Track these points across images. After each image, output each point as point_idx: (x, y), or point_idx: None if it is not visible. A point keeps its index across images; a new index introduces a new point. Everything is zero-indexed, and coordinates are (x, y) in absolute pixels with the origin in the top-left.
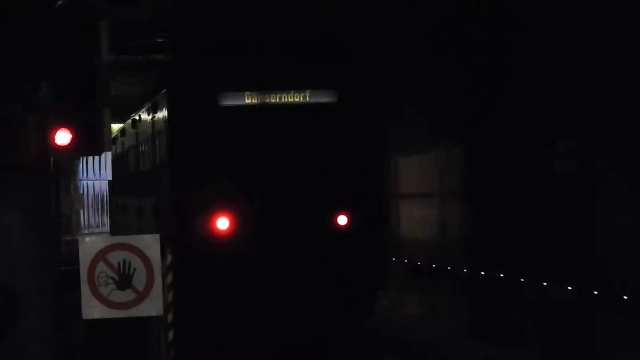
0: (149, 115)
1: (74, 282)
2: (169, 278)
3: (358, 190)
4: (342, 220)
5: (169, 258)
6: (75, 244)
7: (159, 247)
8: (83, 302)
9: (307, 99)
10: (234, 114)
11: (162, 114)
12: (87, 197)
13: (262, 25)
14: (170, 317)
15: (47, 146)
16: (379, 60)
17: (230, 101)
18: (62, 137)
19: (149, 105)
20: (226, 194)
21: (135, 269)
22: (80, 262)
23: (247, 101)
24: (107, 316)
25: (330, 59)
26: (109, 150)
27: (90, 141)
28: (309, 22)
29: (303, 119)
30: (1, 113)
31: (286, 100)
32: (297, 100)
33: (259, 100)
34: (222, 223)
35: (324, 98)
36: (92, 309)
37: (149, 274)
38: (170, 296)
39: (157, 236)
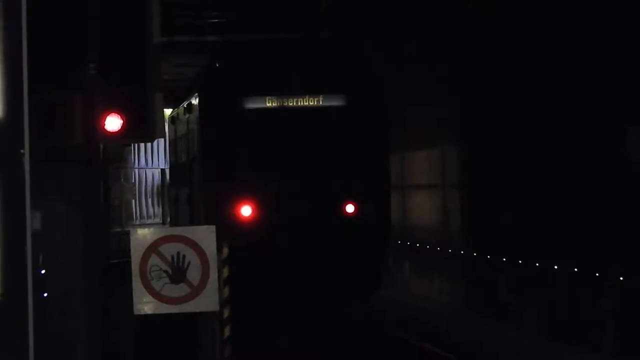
0: (184, 113)
1: (125, 276)
2: (225, 272)
3: (364, 182)
4: (350, 208)
5: (225, 251)
6: (125, 235)
7: (215, 239)
8: (134, 297)
9: (321, 103)
10: (256, 116)
11: (195, 114)
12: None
13: (281, 38)
14: (226, 312)
15: (95, 132)
16: (386, 66)
17: (252, 104)
18: (112, 123)
19: (186, 103)
20: (249, 185)
21: (189, 262)
22: (132, 255)
23: (268, 104)
24: (159, 312)
25: (340, 67)
26: (161, 137)
27: (141, 127)
28: (322, 34)
29: (317, 120)
30: (48, 97)
31: (302, 104)
32: (311, 103)
33: (278, 104)
34: (246, 210)
35: (335, 102)
36: (144, 305)
37: (204, 268)
38: (226, 291)
39: (213, 228)
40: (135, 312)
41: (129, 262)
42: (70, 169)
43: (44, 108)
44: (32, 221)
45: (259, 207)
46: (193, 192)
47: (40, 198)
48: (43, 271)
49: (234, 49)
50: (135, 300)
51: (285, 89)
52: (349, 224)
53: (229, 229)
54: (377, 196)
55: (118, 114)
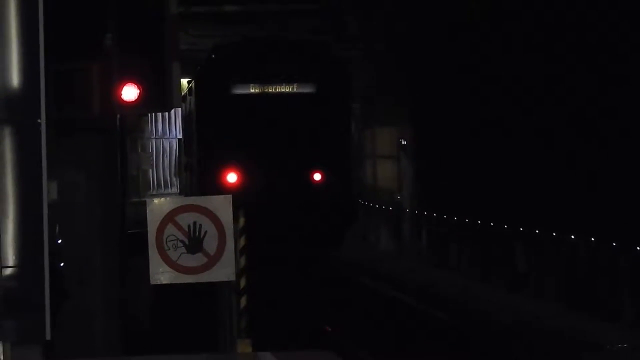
0: (189, 94)
1: (142, 246)
2: (242, 241)
3: (329, 155)
4: (317, 176)
5: (242, 221)
6: (142, 205)
7: (231, 208)
8: (151, 267)
9: (295, 90)
10: (242, 100)
11: (193, 97)
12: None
13: (263, 33)
14: (242, 282)
15: (112, 102)
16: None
17: (238, 90)
18: (129, 93)
19: (188, 87)
20: (234, 156)
21: (206, 232)
22: (148, 225)
23: (251, 91)
24: (175, 282)
25: (311, 62)
26: (179, 107)
27: (158, 97)
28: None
29: (291, 104)
30: (64, 66)
31: (279, 90)
32: (287, 90)
33: (260, 90)
34: (231, 177)
35: (306, 89)
36: (160, 274)
37: (220, 237)
38: (242, 261)
39: (230, 197)
40: (152, 282)
41: (146, 232)
42: (87, 139)
43: (61, 78)
44: (49, 191)
45: (243, 175)
46: (192, 161)
47: (58, 168)
48: (60, 241)
49: (225, 46)
50: (151, 270)
51: (266, 79)
52: (317, 189)
53: (217, 192)
54: (340, 166)
55: (135, 83)
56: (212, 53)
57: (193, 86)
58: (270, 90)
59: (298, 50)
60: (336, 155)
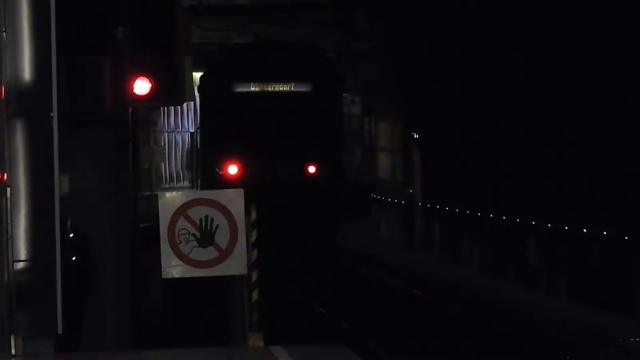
0: (198, 91)
1: (154, 239)
2: (254, 235)
3: (323, 150)
4: (311, 169)
5: (254, 214)
6: (154, 199)
7: (243, 202)
8: (163, 261)
9: (292, 89)
10: (243, 97)
11: (200, 94)
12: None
13: (264, 40)
14: (254, 276)
15: (125, 95)
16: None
17: (240, 88)
18: (141, 86)
19: (197, 85)
20: (236, 149)
21: (217, 226)
22: (160, 218)
23: (252, 89)
24: (187, 275)
25: (307, 64)
26: (191, 100)
27: (170, 91)
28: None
29: (289, 101)
30: (76, 59)
31: (277, 89)
32: (284, 89)
33: (260, 89)
34: (232, 169)
35: (302, 88)
36: (172, 268)
37: (232, 231)
38: (254, 254)
39: (241, 191)
40: (164, 276)
41: (158, 226)
42: (100, 132)
43: (74, 72)
44: (61, 185)
45: (243, 167)
46: (199, 153)
47: (70, 162)
48: (72, 234)
49: (229, 48)
50: (163, 263)
51: (265, 78)
52: (310, 179)
53: (219, 183)
54: (332, 159)
55: (147, 77)
56: (216, 54)
57: (199, 84)
58: (269, 89)
59: (295, 52)
60: (329, 149)
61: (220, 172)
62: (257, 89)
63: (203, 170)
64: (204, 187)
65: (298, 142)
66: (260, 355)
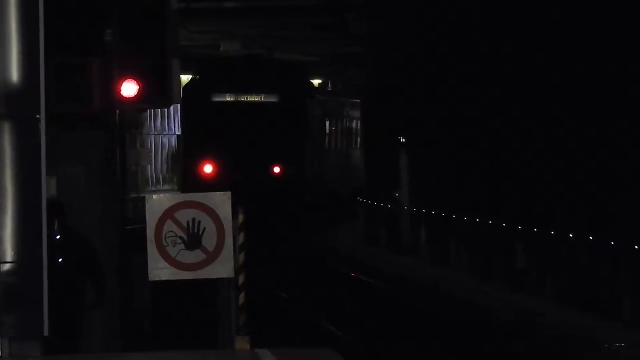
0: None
1: (141, 242)
2: (241, 238)
3: (287, 152)
4: (276, 169)
5: (241, 218)
6: (141, 201)
7: (231, 205)
8: (150, 264)
9: (262, 99)
10: (220, 106)
11: (182, 102)
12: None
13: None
14: (241, 279)
15: (113, 98)
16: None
17: (217, 98)
18: (129, 89)
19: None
20: (211, 151)
21: (205, 229)
22: (147, 221)
23: (227, 99)
24: (174, 278)
25: (275, 77)
26: (178, 103)
27: (158, 93)
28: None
29: (260, 110)
30: (65, 61)
31: (249, 99)
32: (256, 99)
33: (234, 99)
34: (208, 168)
35: (271, 99)
36: (160, 271)
37: (219, 234)
38: (241, 257)
39: (229, 194)
40: (151, 279)
41: (145, 229)
42: (87, 134)
43: (61, 74)
44: (48, 187)
45: (217, 167)
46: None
47: (57, 164)
48: (58, 237)
49: (208, 62)
50: (150, 266)
51: (239, 90)
52: (276, 180)
53: (196, 180)
54: (297, 161)
55: (135, 79)
56: (196, 67)
57: (183, 93)
58: (242, 99)
59: (267, 67)
60: (294, 153)
61: (198, 172)
62: (232, 99)
63: (184, 169)
64: (185, 182)
65: (266, 146)
66: (247, 358)
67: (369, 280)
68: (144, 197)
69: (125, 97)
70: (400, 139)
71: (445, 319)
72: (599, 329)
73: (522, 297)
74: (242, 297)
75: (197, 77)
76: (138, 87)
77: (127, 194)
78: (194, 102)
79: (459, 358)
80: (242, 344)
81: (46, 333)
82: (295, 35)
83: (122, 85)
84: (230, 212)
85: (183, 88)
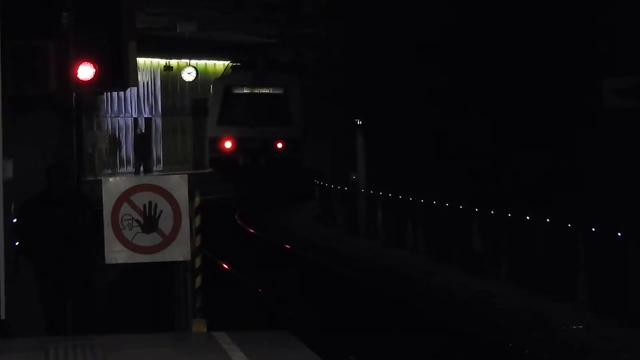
0: (210, 91)
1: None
2: (197, 221)
3: (288, 130)
4: (279, 144)
5: (197, 200)
6: (98, 184)
7: (187, 188)
8: (106, 246)
9: (270, 91)
10: (238, 96)
11: (211, 93)
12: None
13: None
14: (198, 262)
15: (69, 80)
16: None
17: (237, 90)
18: (85, 71)
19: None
20: (231, 130)
21: (161, 212)
22: (104, 204)
23: (244, 91)
24: (131, 261)
25: (281, 74)
26: (134, 86)
27: (114, 76)
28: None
29: (268, 99)
30: (20, 43)
31: (261, 91)
32: (265, 91)
33: (250, 90)
34: (228, 144)
35: (278, 90)
36: (116, 254)
37: (175, 217)
38: (197, 240)
39: (185, 177)
40: (107, 261)
41: (101, 211)
42: (44, 116)
43: (17, 56)
44: (5, 170)
45: (234, 143)
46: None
47: (14, 146)
48: (15, 220)
49: (233, 67)
50: (107, 249)
51: (253, 83)
52: (279, 153)
53: (219, 153)
54: (296, 139)
55: (91, 62)
56: (226, 70)
57: (211, 88)
58: (255, 91)
59: (273, 65)
60: (293, 131)
61: (221, 146)
62: (247, 91)
63: (210, 144)
64: (212, 156)
65: (272, 126)
66: (204, 340)
67: (323, 261)
68: (101, 180)
69: (81, 80)
70: (356, 121)
71: (398, 299)
72: (555, 312)
73: (478, 279)
74: (198, 280)
75: (224, 75)
76: (94, 70)
77: (84, 176)
78: (219, 93)
79: (412, 339)
80: (199, 326)
81: (3, 316)
82: (249, 17)
83: (78, 67)
84: (187, 195)
85: (212, 83)
